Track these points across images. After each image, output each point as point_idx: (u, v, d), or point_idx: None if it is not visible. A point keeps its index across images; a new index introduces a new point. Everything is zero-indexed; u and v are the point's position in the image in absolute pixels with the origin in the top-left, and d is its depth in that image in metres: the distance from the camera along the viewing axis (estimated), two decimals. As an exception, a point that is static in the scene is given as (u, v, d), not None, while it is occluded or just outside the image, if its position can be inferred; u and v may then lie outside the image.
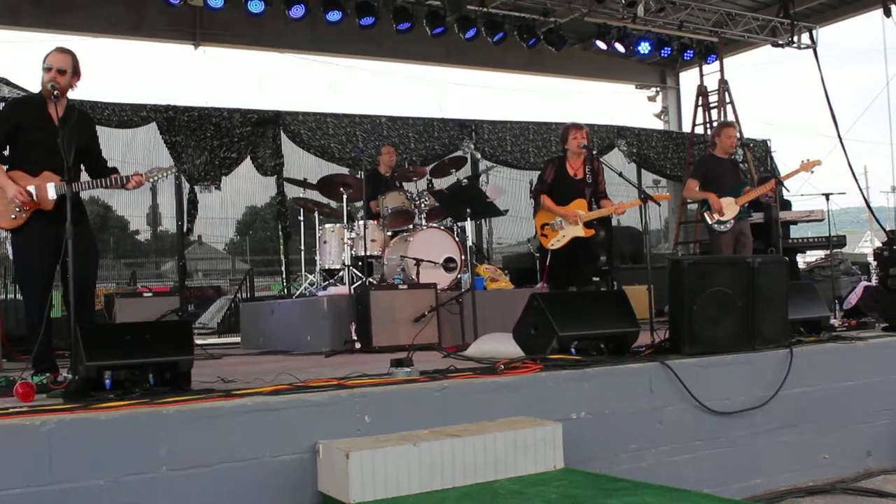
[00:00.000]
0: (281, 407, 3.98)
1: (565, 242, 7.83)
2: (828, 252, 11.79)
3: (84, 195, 5.76)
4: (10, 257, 5.51)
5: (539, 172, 8.30)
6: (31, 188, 5.20)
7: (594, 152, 8.56)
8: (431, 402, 4.30)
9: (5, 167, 5.32)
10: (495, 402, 4.43)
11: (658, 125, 17.55)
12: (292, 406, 4.00)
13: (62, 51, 5.36)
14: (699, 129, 15.87)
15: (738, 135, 9.25)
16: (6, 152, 5.36)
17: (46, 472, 3.48)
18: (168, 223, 14.99)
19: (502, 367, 4.75)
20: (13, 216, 5.21)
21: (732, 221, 8.69)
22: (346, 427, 4.05)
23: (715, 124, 15.09)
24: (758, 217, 10.21)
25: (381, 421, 4.13)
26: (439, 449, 3.85)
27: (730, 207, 8.66)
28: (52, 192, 5.20)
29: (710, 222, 8.76)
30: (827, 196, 10.12)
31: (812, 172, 8.87)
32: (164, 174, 5.60)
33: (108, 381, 4.14)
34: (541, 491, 3.67)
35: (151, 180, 5.57)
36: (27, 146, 5.29)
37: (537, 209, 8.07)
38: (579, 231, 7.83)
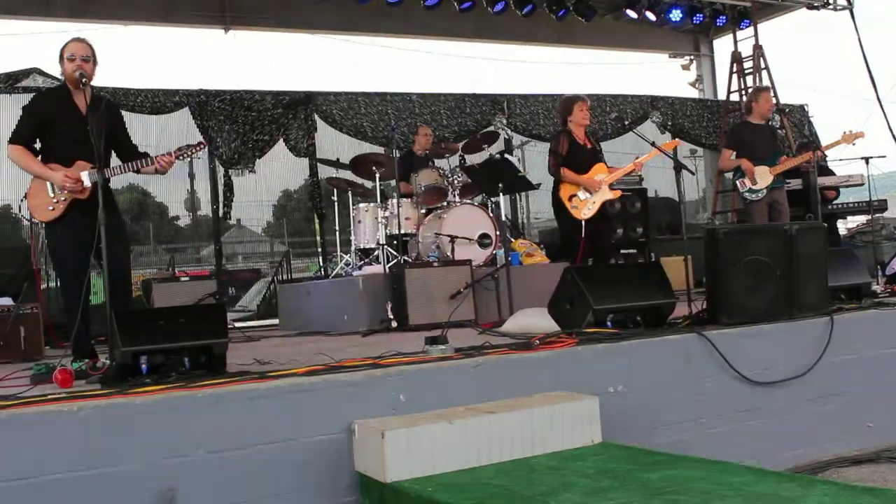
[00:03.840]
0: (315, 388, 3.98)
1: (598, 208, 7.75)
2: (869, 217, 11.60)
3: (122, 182, 5.83)
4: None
5: (550, 147, 8.10)
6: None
7: (627, 122, 8.51)
8: (466, 379, 4.28)
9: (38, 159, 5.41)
10: (531, 378, 4.40)
11: (693, 94, 17.30)
12: (327, 386, 4.01)
13: (81, 40, 5.44)
14: (734, 97, 15.64)
15: (774, 99, 9.10)
16: (37, 146, 5.43)
17: (85, 457, 3.52)
18: (206, 208, 15.06)
19: (538, 342, 4.72)
20: (51, 208, 5.30)
21: (765, 190, 8.59)
22: (382, 406, 4.05)
23: (736, 98, 14.91)
24: (796, 183, 10.08)
25: (417, 399, 4.12)
26: (475, 426, 3.84)
27: (763, 176, 8.56)
28: (86, 180, 5.26)
29: (741, 190, 8.68)
30: (867, 160, 9.96)
31: (854, 144, 8.78)
32: (194, 151, 5.61)
33: (144, 366, 4.19)
34: (578, 466, 3.64)
35: (182, 158, 5.59)
36: (57, 138, 5.38)
37: (558, 184, 7.87)
38: (607, 194, 7.78)
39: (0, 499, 3.37)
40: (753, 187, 8.58)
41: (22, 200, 5.45)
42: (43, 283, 9.02)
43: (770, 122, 9.16)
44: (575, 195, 7.75)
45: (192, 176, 14.28)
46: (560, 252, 8.60)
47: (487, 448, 3.82)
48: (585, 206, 7.71)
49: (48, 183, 5.30)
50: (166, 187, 13.11)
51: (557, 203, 7.83)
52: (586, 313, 5.02)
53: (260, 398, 3.86)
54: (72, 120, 5.30)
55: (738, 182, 8.77)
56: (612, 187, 7.89)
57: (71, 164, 5.29)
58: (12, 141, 5.39)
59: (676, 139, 8.78)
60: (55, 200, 5.28)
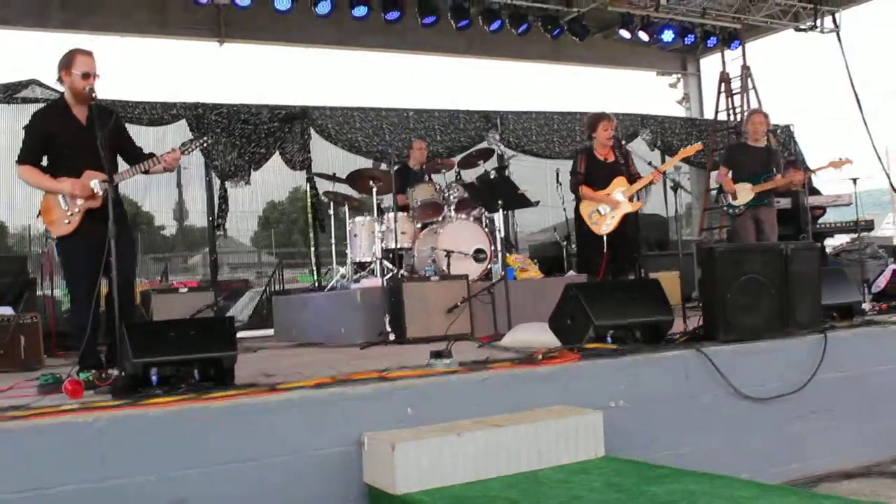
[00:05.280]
0: (326, 400, 4.05)
1: (618, 222, 7.92)
2: (854, 236, 11.75)
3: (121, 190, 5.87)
4: (57, 258, 5.59)
5: (570, 168, 8.35)
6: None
7: (622, 142, 8.68)
8: (473, 392, 4.36)
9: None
10: (535, 392, 4.48)
11: (680, 112, 17.54)
12: (337, 399, 4.07)
13: (89, 54, 5.43)
14: (722, 116, 15.83)
15: (765, 121, 9.34)
16: (44, 163, 5.47)
17: (99, 468, 3.56)
18: (194, 217, 15.03)
19: (540, 356, 4.80)
20: (66, 221, 5.34)
21: (743, 207, 8.86)
22: (390, 419, 4.11)
23: (740, 111, 15.12)
24: (785, 202, 10.27)
25: (424, 412, 4.19)
26: (483, 439, 3.91)
27: (744, 192, 8.86)
28: (97, 188, 5.30)
29: (722, 204, 9.08)
30: (854, 181, 10.11)
31: (840, 170, 9.16)
32: (198, 144, 5.75)
33: (154, 378, 4.22)
34: (584, 479, 3.72)
35: (186, 152, 5.67)
36: (61, 151, 5.41)
37: (579, 202, 8.13)
38: (627, 207, 7.95)
39: (16, 509, 3.41)
40: (733, 203, 8.91)
41: (37, 217, 5.47)
42: (39, 292, 9.08)
43: (768, 146, 9.45)
44: (595, 211, 7.99)
45: (180, 186, 14.31)
46: (580, 267, 8.73)
47: (495, 461, 3.89)
48: (605, 222, 7.92)
49: (59, 197, 5.34)
50: (155, 196, 13.13)
51: (578, 219, 8.11)
52: (587, 329, 5.11)
53: (271, 411, 3.92)
54: (74, 132, 5.34)
55: (721, 196, 9.14)
56: (632, 199, 8.04)
57: (80, 175, 5.33)
58: (20, 161, 5.43)
59: (700, 143, 9.02)
60: (69, 213, 5.32)
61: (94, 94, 5.25)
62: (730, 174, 9.05)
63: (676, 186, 6.40)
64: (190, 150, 5.69)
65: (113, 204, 4.91)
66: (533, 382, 4.52)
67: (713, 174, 12.79)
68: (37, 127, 5.48)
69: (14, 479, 3.41)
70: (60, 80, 5.45)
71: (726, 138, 15.15)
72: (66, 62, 5.38)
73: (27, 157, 5.43)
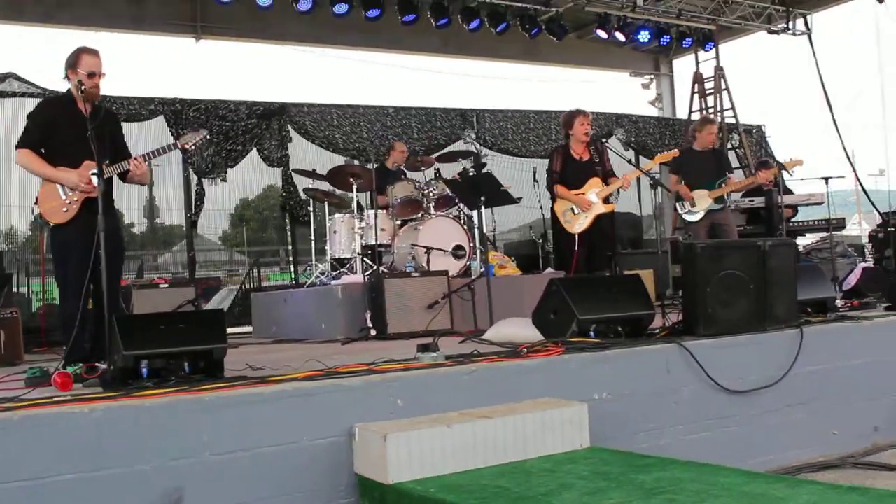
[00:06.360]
0: (317, 392, 4.10)
1: (590, 222, 8.07)
2: (824, 235, 11.96)
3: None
4: (50, 250, 5.61)
5: (546, 165, 8.50)
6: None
7: (603, 140, 8.79)
8: (461, 385, 4.43)
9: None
10: (522, 385, 4.56)
11: (653, 112, 17.71)
12: (328, 391, 4.12)
13: (95, 53, 5.52)
14: (695, 116, 16.02)
15: (717, 131, 9.55)
16: (42, 152, 5.51)
17: (96, 458, 3.59)
18: (165, 215, 14.98)
19: (525, 350, 4.88)
20: (65, 209, 5.40)
21: (702, 212, 8.99)
22: (380, 411, 4.18)
23: (713, 111, 15.31)
24: (759, 201, 10.44)
25: (413, 404, 4.26)
26: (471, 430, 3.97)
27: (702, 199, 8.99)
28: (94, 179, 5.35)
29: (680, 212, 9.19)
30: (826, 180, 10.32)
31: (791, 173, 9.48)
32: (198, 139, 5.87)
33: (144, 370, 4.24)
34: (572, 468, 3.80)
35: (189, 146, 5.85)
36: (63, 143, 5.47)
37: (554, 200, 8.29)
38: (601, 208, 8.10)
39: (14, 498, 3.43)
40: (693, 209, 9.05)
41: (34, 206, 5.50)
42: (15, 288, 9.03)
43: (717, 147, 9.63)
44: (569, 209, 8.16)
45: (151, 184, 14.25)
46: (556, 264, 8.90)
47: (483, 451, 3.96)
48: (578, 221, 8.10)
49: (58, 186, 5.41)
50: (124, 194, 13.08)
51: (553, 216, 8.28)
52: (570, 323, 5.20)
53: (264, 402, 3.97)
54: (77, 125, 5.37)
55: (677, 204, 9.25)
56: (606, 201, 8.19)
57: (79, 166, 5.40)
58: (20, 146, 5.49)
59: (676, 150, 9.17)
60: (68, 202, 5.39)
61: (82, 89, 5.30)
62: (681, 181, 9.19)
63: (657, 184, 6.50)
64: (192, 144, 5.85)
65: (104, 198, 4.95)
66: (519, 375, 4.60)
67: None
68: (41, 115, 5.58)
69: (10, 470, 3.44)
70: (67, 78, 5.53)
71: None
72: (72, 62, 5.48)
73: (28, 142, 5.49)
